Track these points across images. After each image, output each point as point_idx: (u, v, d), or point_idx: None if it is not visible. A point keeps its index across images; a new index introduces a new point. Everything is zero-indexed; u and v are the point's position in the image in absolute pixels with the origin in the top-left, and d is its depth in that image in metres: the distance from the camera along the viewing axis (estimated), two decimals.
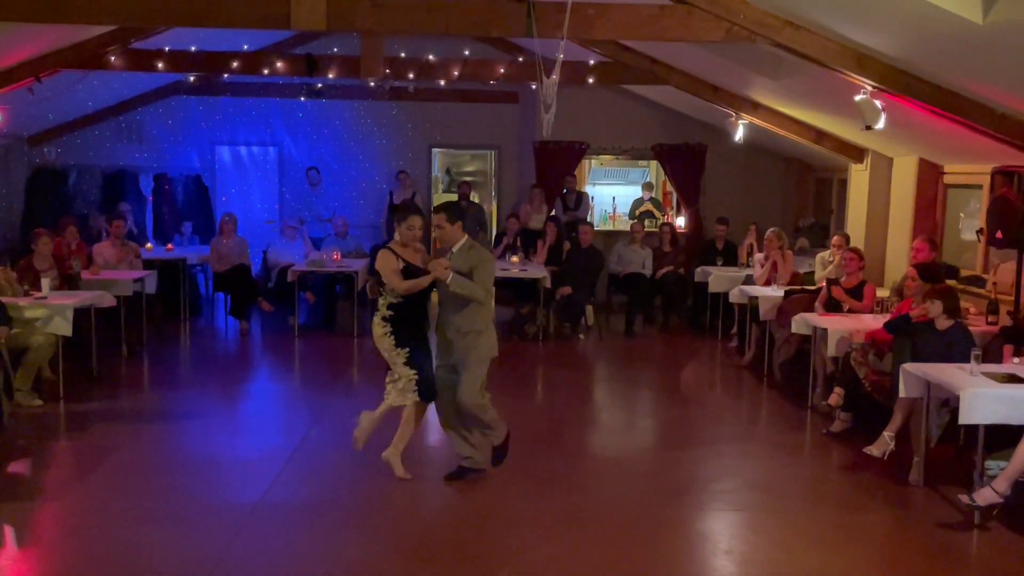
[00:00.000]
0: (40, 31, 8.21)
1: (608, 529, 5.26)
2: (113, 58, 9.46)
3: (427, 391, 5.82)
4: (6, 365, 6.99)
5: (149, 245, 11.45)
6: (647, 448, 7.16)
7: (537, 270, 10.74)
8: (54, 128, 12.73)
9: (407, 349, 5.76)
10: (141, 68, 9.96)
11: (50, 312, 7.65)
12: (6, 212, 12.19)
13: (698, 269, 11.29)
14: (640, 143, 13.29)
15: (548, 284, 10.58)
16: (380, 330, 5.80)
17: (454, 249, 5.74)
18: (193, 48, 10.05)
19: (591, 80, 10.35)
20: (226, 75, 11.53)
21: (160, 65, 9.86)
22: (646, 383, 9.23)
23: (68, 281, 8.62)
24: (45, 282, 8.00)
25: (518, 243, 11.72)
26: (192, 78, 12.20)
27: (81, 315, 8.07)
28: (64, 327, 7.67)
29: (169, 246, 11.78)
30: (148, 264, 10.50)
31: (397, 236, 5.87)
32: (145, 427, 7.17)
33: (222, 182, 13.68)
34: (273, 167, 13.69)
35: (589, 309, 11.23)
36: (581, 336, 10.97)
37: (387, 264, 5.69)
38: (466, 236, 5.80)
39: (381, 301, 5.80)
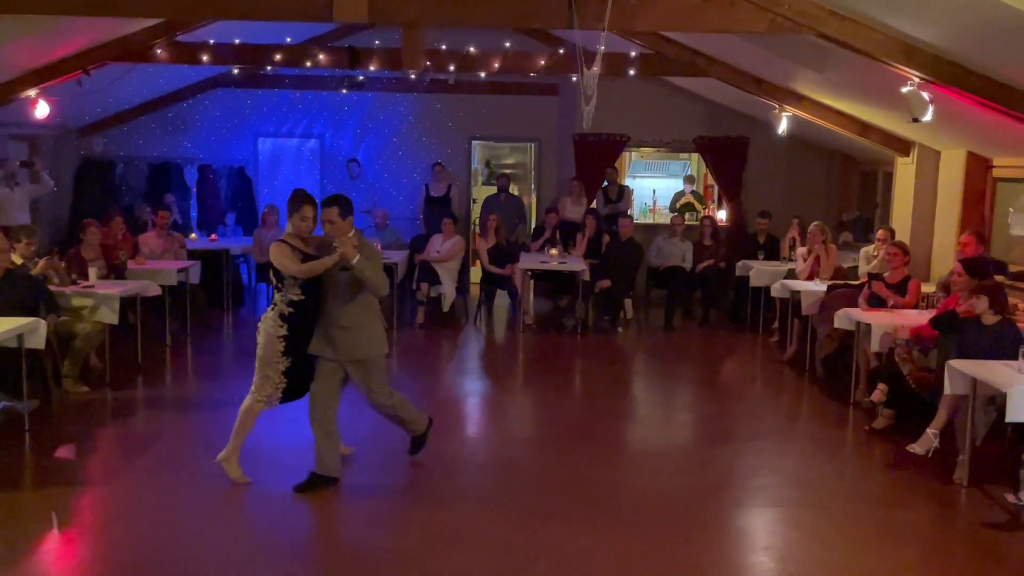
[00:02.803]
0: (88, 24, 8.35)
1: (644, 523, 5.24)
2: (159, 51, 9.59)
3: (289, 397, 5.57)
4: (55, 352, 7.14)
5: (193, 236, 11.62)
6: (685, 443, 7.12)
7: (576, 263, 10.72)
8: (102, 120, 12.96)
9: (290, 360, 5.43)
10: (186, 61, 10.09)
11: (97, 301, 7.80)
12: (55, 203, 12.43)
13: (739, 263, 11.20)
14: (681, 135, 13.20)
15: (587, 277, 10.57)
16: (275, 328, 5.38)
17: (337, 244, 5.34)
18: (237, 41, 10.16)
19: (632, 72, 10.29)
20: (269, 68, 11.64)
21: (205, 58, 9.98)
22: (685, 378, 9.19)
23: (115, 271, 8.78)
24: (92, 271, 8.15)
25: (557, 236, 11.72)
26: (236, 71, 12.33)
27: (127, 304, 8.22)
28: (111, 316, 7.82)
29: (213, 237, 11.94)
30: (192, 255, 10.66)
31: (290, 228, 5.47)
32: (189, 415, 7.29)
33: (265, 174, 13.83)
34: (314, 159, 13.81)
35: (628, 303, 11.20)
36: (620, 330, 10.93)
37: (281, 253, 5.32)
38: (355, 230, 5.50)
39: (278, 297, 5.40)
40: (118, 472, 5.98)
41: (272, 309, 5.40)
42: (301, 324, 5.43)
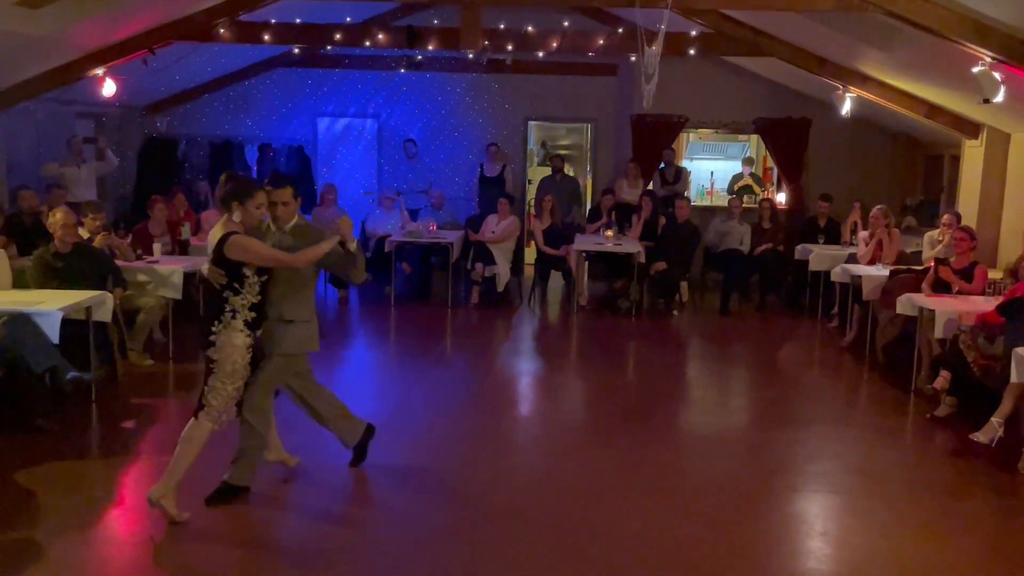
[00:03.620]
0: (153, 4, 8.50)
1: (699, 506, 5.21)
2: (222, 30, 9.72)
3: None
4: (121, 325, 7.33)
5: None
6: (740, 427, 7.05)
7: (631, 245, 10.66)
8: (166, 99, 13.19)
9: (251, 372, 4.84)
10: (248, 40, 10.20)
11: (161, 276, 7.98)
12: (120, 180, 12.71)
13: (798, 247, 11.02)
14: (741, 117, 13.01)
15: (642, 259, 10.50)
16: (241, 339, 4.66)
17: (287, 228, 4.93)
18: (298, 20, 10.25)
19: (692, 52, 10.15)
20: (329, 47, 11.72)
21: (266, 37, 10.09)
22: (741, 362, 9.09)
23: (178, 247, 8.97)
24: (157, 247, 8.34)
25: (613, 217, 11.66)
26: (296, 50, 12.45)
27: (189, 279, 8.39)
28: (174, 291, 7.99)
29: (346, 215, 12.07)
30: None
31: (237, 218, 4.65)
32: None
33: (323, 153, 13.96)
34: (372, 139, 13.90)
35: (683, 285, 11.11)
36: (675, 313, 10.85)
37: (255, 244, 4.63)
38: (298, 214, 5.02)
39: (238, 301, 4.65)
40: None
41: (232, 316, 4.65)
42: (259, 325, 4.83)
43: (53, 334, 6.11)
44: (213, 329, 4.66)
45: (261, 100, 13.70)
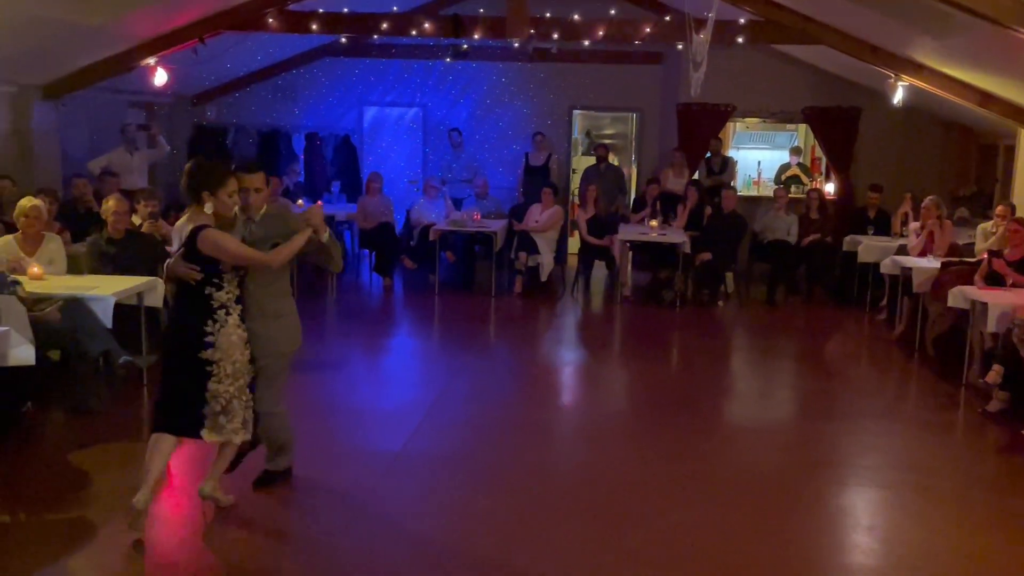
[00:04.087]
0: None
1: (742, 498, 5.18)
2: (271, 20, 9.81)
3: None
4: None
5: (300, 202, 11.90)
6: (785, 419, 6.99)
7: (677, 235, 10.59)
8: (215, 88, 13.36)
9: (255, 368, 4.60)
10: (296, 29, 10.29)
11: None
12: (171, 167, 12.92)
13: (847, 238, 10.86)
14: (789, 106, 12.82)
15: (688, 249, 10.42)
16: (239, 335, 4.44)
17: (257, 217, 4.59)
18: (345, 10, 10.31)
19: (740, 40, 10.02)
20: (375, 36, 11.78)
21: (314, 26, 10.16)
22: (787, 354, 8.99)
23: None
24: None
25: (658, 207, 11.59)
26: (344, 39, 12.53)
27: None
28: None
29: (319, 203, 12.21)
30: None
31: (209, 209, 4.37)
32: (294, 374, 7.48)
33: (369, 142, 14.05)
34: (417, 128, 13.95)
35: (729, 276, 11.01)
36: (720, 304, 10.76)
37: (228, 242, 4.33)
38: (274, 201, 4.84)
39: (224, 296, 4.39)
40: None
41: (226, 313, 4.40)
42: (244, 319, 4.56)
43: (106, 318, 6.24)
44: (208, 329, 4.35)
45: (308, 89, 13.81)
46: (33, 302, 6.03)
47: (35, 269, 6.54)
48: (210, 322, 4.37)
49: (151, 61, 9.75)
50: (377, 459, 5.57)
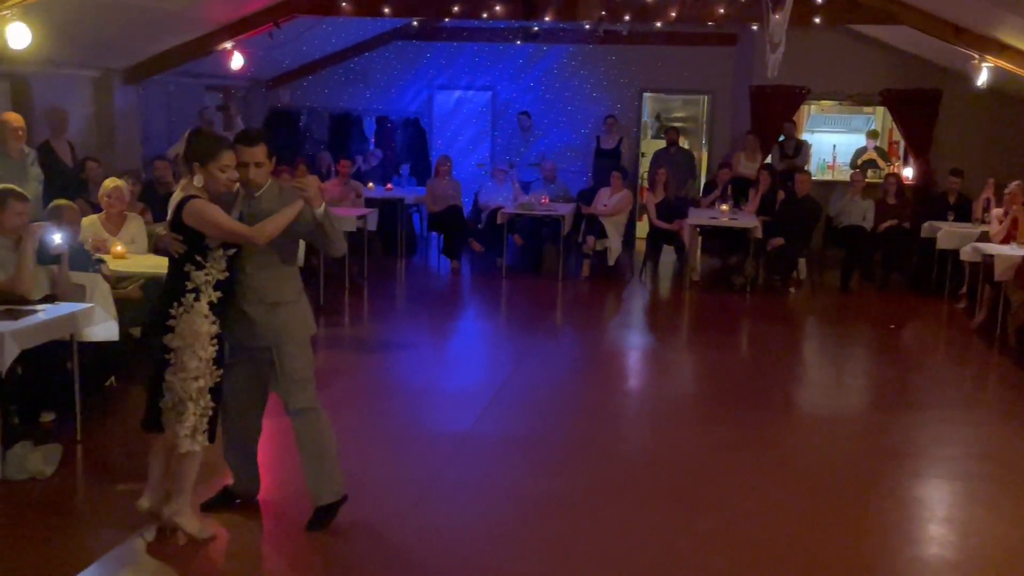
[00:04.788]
0: None
1: (814, 486, 5.10)
2: (344, 3, 9.92)
3: (214, 432, 4.16)
4: None
5: (371, 185, 12.05)
6: (859, 408, 6.85)
7: (748, 219, 10.43)
8: (289, 72, 13.57)
9: (220, 371, 4.08)
10: (369, 13, 10.38)
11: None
12: None
13: (925, 224, 10.56)
14: (866, 88, 12.48)
15: (759, 234, 10.26)
16: (204, 324, 3.97)
17: (257, 193, 4.14)
18: None
19: (817, 20, 9.78)
20: (447, 19, 11.81)
21: (386, 10, 10.23)
22: (861, 342, 8.80)
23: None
24: None
25: (729, 191, 11.43)
26: (415, 22, 12.60)
27: (309, 248, 8.63)
28: (297, 258, 8.25)
29: (388, 186, 12.35)
30: (369, 203, 11.08)
31: (198, 182, 3.99)
32: (365, 355, 7.64)
33: (438, 125, 14.13)
34: (486, 111, 13.98)
35: (802, 262, 10.81)
36: (792, 290, 10.58)
37: (213, 210, 3.94)
38: (271, 177, 4.23)
39: (200, 277, 3.97)
40: None
41: (195, 297, 3.97)
42: (225, 307, 4.08)
43: None
44: (172, 312, 3.95)
45: (380, 73, 13.94)
46: (116, 280, 6.23)
47: (118, 248, 6.75)
48: (175, 304, 3.96)
49: (228, 45, 9.95)
50: (445, 440, 5.63)
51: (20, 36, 6.74)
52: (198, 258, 3.97)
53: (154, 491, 4.24)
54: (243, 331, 4.16)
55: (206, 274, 3.97)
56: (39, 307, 5.16)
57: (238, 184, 4.09)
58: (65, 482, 4.84)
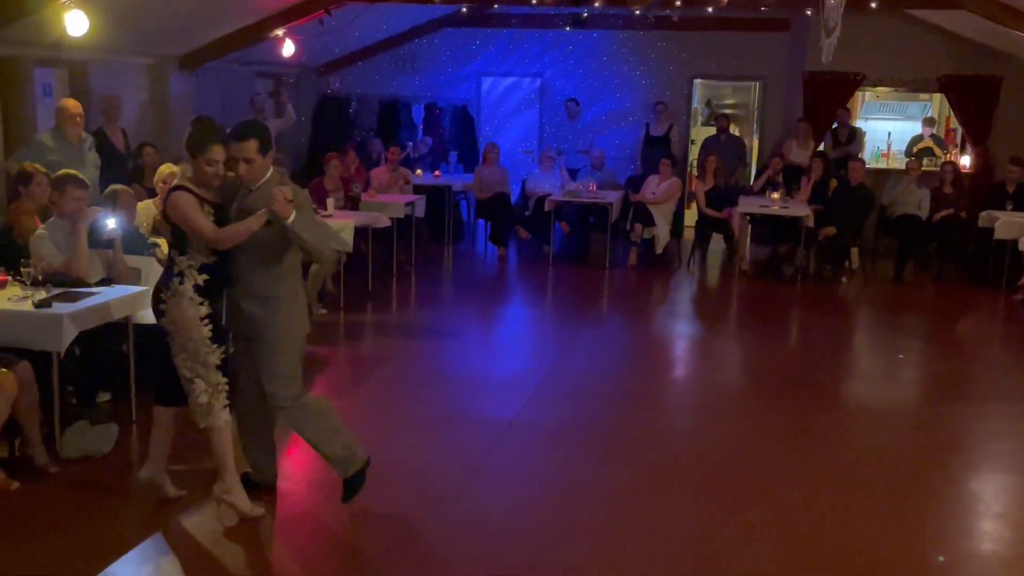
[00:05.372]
0: None
1: (865, 479, 5.03)
2: None
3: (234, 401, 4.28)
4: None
5: (419, 171, 12.10)
6: (911, 401, 6.73)
7: (799, 208, 10.27)
8: (339, 59, 13.66)
9: (223, 348, 4.16)
10: (418, 0, 10.39)
11: (334, 229, 8.33)
12: (296, 137, 13.31)
13: (983, 213, 10.30)
14: (923, 74, 12.19)
15: (811, 223, 10.11)
16: (192, 308, 4.04)
17: (254, 188, 4.11)
18: None
19: (873, 4, 9.58)
20: (496, 5, 11.79)
21: None
22: (914, 333, 8.64)
23: (349, 202, 9.34)
24: (330, 201, 8.70)
25: (780, 179, 11.27)
26: (464, 9, 12.59)
27: (359, 234, 8.72)
28: (346, 244, 8.33)
29: (436, 173, 12.39)
30: (417, 189, 11.13)
31: (190, 173, 4.09)
32: (412, 341, 7.69)
33: (487, 112, 14.13)
34: (534, 98, 13.94)
35: (854, 251, 10.63)
36: (843, 280, 10.41)
37: (188, 205, 3.99)
38: (272, 169, 4.19)
39: (184, 262, 4.06)
40: (350, 389, 6.43)
41: (179, 281, 4.05)
42: (219, 295, 4.19)
43: None
44: (162, 296, 4.08)
45: (429, 60, 13.96)
46: None
47: None
48: (165, 288, 4.08)
49: (279, 32, 10.04)
50: (491, 427, 5.65)
51: (78, 24, 6.89)
52: (180, 243, 4.08)
53: (154, 463, 4.38)
54: (240, 323, 4.23)
55: (189, 259, 4.05)
56: (96, 290, 5.28)
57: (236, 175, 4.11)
58: (120, 461, 4.95)
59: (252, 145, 4.05)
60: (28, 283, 5.06)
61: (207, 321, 4.07)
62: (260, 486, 4.56)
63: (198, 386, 4.09)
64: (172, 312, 4.05)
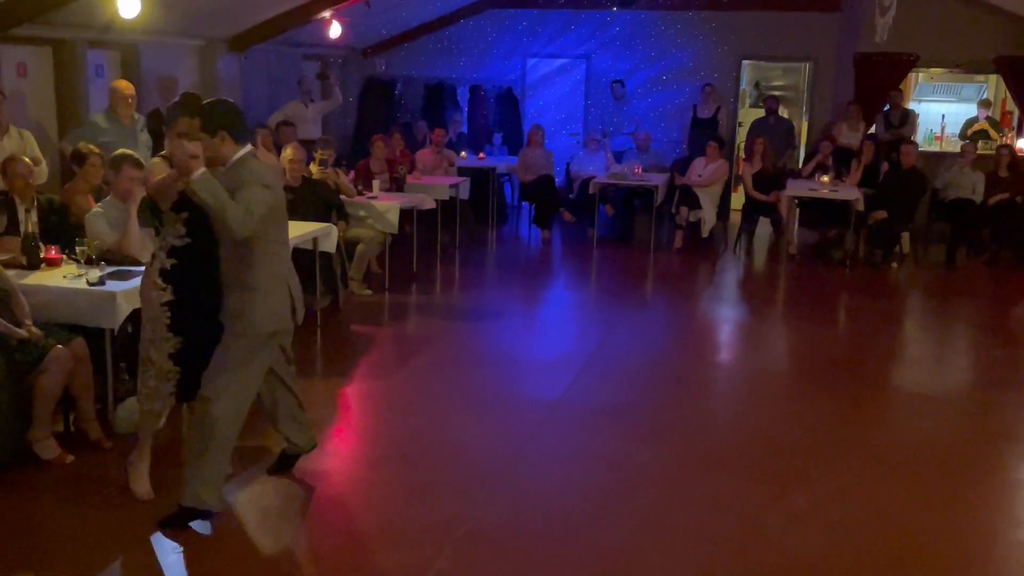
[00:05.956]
0: None
1: (912, 465, 4.96)
2: None
3: (185, 393, 4.15)
4: (343, 256, 7.79)
5: (463, 154, 12.11)
6: (963, 388, 6.61)
7: (849, 191, 10.11)
8: (385, 41, 13.69)
9: (180, 339, 4.03)
10: None
11: (379, 211, 8.39)
12: (342, 119, 13.40)
13: None
14: (979, 55, 11.89)
15: (861, 207, 9.94)
16: (155, 292, 3.97)
17: (222, 168, 3.85)
18: None
19: None
20: None
21: None
22: (966, 319, 8.48)
23: (395, 183, 9.39)
24: (376, 183, 8.77)
25: (830, 162, 11.09)
26: None
27: (404, 216, 8.77)
28: (391, 225, 8.39)
29: (481, 155, 12.39)
30: (461, 172, 11.14)
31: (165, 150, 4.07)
32: (456, 322, 7.73)
33: (531, 94, 14.08)
34: (580, 80, 13.85)
35: (905, 236, 10.43)
36: (894, 265, 10.23)
37: (150, 173, 4.00)
38: (245, 149, 3.88)
39: (156, 240, 4.05)
40: (395, 370, 6.48)
41: (150, 263, 3.99)
42: (189, 282, 3.98)
43: None
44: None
45: (474, 41, 13.93)
46: None
47: None
48: (148, 265, 4.05)
49: (326, 14, 10.09)
50: (535, 408, 5.66)
51: (130, 6, 6.99)
52: (158, 223, 4.02)
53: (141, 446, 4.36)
54: (224, 316, 3.98)
55: (162, 239, 3.99)
56: None
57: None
58: (171, 436, 5.05)
59: (187, 122, 3.86)
60: (82, 261, 5.16)
61: (167, 308, 3.98)
62: (299, 455, 4.58)
63: (149, 369, 4.08)
64: (141, 290, 4.09)
